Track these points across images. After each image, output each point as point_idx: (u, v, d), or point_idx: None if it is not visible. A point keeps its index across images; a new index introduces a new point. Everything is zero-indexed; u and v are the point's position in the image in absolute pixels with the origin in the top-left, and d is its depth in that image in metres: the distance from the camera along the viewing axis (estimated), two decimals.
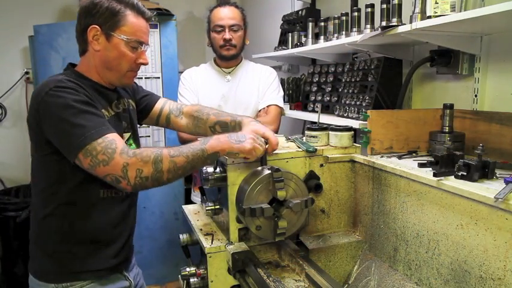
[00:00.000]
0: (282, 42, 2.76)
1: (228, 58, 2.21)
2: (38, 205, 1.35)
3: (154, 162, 1.18)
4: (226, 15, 2.16)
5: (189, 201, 2.56)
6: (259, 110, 2.22)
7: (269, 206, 1.26)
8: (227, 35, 2.14)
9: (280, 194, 1.25)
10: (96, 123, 1.20)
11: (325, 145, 1.51)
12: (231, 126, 1.53)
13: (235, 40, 2.17)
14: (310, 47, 2.19)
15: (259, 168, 1.31)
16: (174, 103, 1.68)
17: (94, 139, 1.17)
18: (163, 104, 1.64)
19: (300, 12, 2.57)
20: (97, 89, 1.35)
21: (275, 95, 2.24)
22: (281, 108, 2.25)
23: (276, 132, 2.13)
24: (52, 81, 1.23)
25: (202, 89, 2.23)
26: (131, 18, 1.31)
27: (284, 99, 2.57)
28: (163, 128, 2.92)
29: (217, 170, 1.36)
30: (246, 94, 2.23)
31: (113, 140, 1.19)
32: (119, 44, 1.30)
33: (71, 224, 1.31)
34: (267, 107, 2.21)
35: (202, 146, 1.23)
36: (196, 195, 2.36)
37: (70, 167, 1.24)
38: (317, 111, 1.93)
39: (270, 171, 1.26)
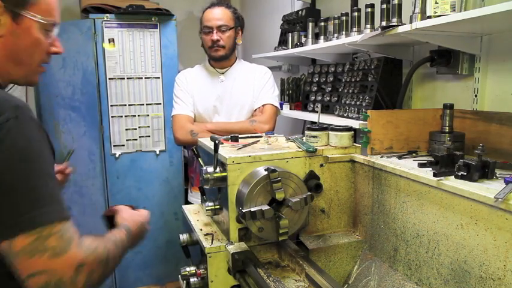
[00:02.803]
0: (282, 42, 2.76)
1: (217, 59, 2.21)
2: None
3: (106, 261, 0.90)
4: (214, 16, 2.16)
5: (187, 201, 2.56)
6: (255, 110, 2.22)
7: (269, 207, 1.25)
8: (214, 36, 2.14)
9: (279, 196, 1.25)
10: (60, 192, 0.87)
11: (325, 145, 1.51)
12: None
13: (223, 41, 2.16)
14: (310, 47, 2.19)
15: (258, 168, 1.32)
16: None
17: (59, 218, 0.82)
18: None
19: (300, 12, 2.57)
20: None
21: (270, 94, 2.24)
22: (276, 107, 2.25)
23: (273, 130, 2.14)
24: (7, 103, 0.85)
25: (197, 90, 2.23)
26: None
27: (284, 99, 2.58)
28: (163, 128, 2.92)
29: (217, 170, 1.37)
30: (241, 94, 2.23)
31: (70, 226, 0.86)
32: (32, 27, 0.96)
33: None
34: (262, 106, 2.21)
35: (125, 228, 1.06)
36: (193, 196, 2.36)
37: None
38: (317, 111, 1.93)
39: (266, 173, 1.26)
